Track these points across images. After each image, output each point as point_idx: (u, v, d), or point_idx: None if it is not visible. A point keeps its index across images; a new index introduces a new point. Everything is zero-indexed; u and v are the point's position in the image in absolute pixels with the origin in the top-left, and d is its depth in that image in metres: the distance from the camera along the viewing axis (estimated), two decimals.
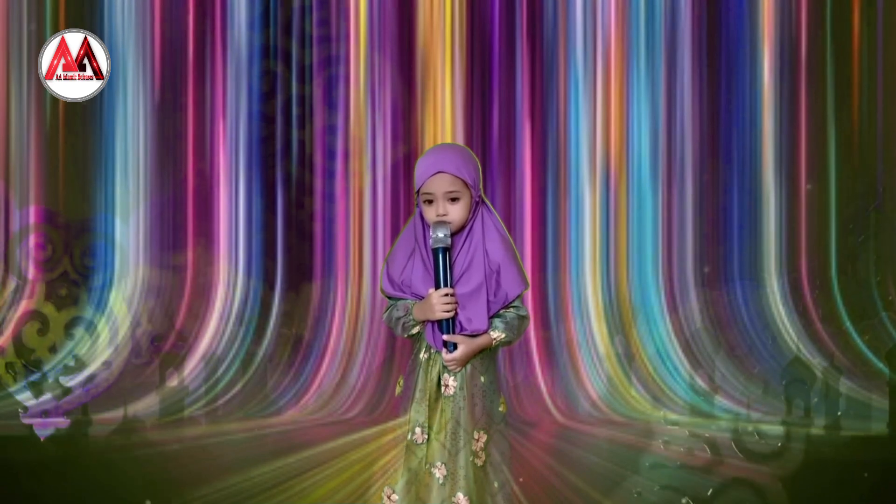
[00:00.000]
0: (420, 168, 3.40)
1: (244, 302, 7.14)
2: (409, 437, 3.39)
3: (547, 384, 6.89)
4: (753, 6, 7.20)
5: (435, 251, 3.34)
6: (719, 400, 6.64)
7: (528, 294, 7.07)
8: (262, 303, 7.13)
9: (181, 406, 6.56)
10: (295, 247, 7.22)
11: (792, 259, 7.15)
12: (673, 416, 6.51)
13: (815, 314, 7.06)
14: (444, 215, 3.35)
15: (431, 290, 3.36)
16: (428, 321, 3.37)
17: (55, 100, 6.94)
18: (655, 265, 7.14)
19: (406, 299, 3.43)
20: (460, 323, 3.35)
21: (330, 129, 7.24)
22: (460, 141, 7.16)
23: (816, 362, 6.69)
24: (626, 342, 7.02)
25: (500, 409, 3.42)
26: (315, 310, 7.13)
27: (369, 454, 5.73)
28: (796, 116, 7.21)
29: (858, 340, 6.84)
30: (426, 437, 3.36)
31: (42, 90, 6.96)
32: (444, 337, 3.33)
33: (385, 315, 3.50)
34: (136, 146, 7.15)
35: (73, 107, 6.98)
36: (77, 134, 7.12)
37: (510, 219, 7.16)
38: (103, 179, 7.14)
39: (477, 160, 3.43)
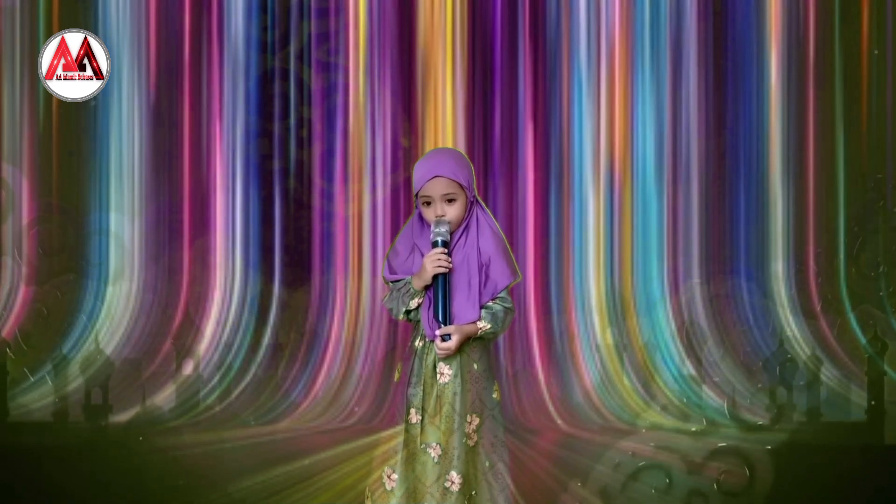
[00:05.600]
0: (418, 172, 3.76)
1: (242, 302, 7.28)
2: (405, 417, 3.71)
3: (550, 390, 6.99)
4: (760, 6, 7.32)
5: (434, 243, 3.68)
6: (721, 403, 6.78)
7: (531, 296, 7.24)
8: (262, 299, 7.29)
9: (196, 401, 6.76)
10: (293, 245, 7.36)
11: (799, 262, 7.28)
12: (680, 424, 6.65)
13: (822, 318, 7.19)
14: (443, 216, 3.71)
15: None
16: (426, 289, 3.68)
17: (49, 100, 7.12)
18: (660, 268, 7.26)
19: (406, 278, 3.76)
20: (453, 314, 3.67)
21: (329, 131, 7.36)
22: (462, 142, 7.27)
23: (823, 367, 6.82)
24: (631, 348, 7.13)
25: (494, 395, 3.74)
26: (315, 307, 7.27)
27: (369, 462, 5.85)
28: (804, 117, 7.34)
29: (866, 345, 6.96)
30: (420, 417, 3.68)
31: (36, 90, 7.14)
32: (437, 332, 3.64)
33: (386, 297, 3.84)
34: (132, 146, 7.30)
35: (68, 107, 7.14)
36: (72, 134, 7.29)
37: (513, 221, 7.27)
38: (98, 179, 7.29)
39: (470, 163, 3.80)
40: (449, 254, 3.69)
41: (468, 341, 3.68)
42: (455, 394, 3.67)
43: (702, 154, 7.33)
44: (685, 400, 6.88)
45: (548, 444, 6.40)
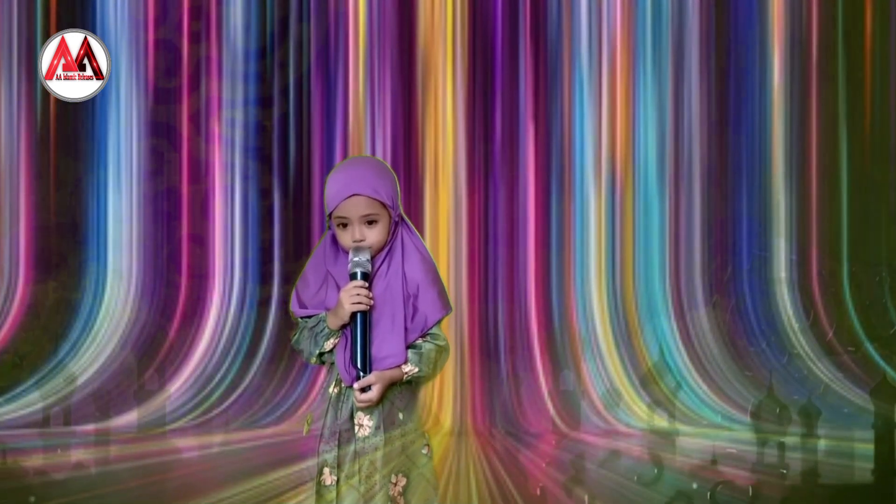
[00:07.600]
0: (331, 189, 3.22)
1: (241, 304, 7.33)
2: (317, 478, 3.25)
3: (550, 391, 7.04)
4: (763, 6, 7.35)
5: (353, 275, 3.20)
6: (726, 409, 6.83)
7: (532, 297, 7.27)
8: (261, 300, 7.34)
9: (195, 403, 6.82)
10: (293, 245, 7.41)
11: (802, 264, 7.32)
12: (683, 427, 6.70)
13: (825, 321, 7.23)
14: (362, 241, 3.21)
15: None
16: (343, 327, 3.22)
17: (46, 101, 7.18)
18: (662, 270, 7.29)
19: (320, 314, 3.28)
20: (375, 359, 3.18)
21: (328, 132, 7.40)
22: (462, 143, 7.32)
23: (823, 368, 6.88)
24: (633, 350, 7.18)
25: (424, 451, 3.25)
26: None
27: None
28: (807, 119, 7.37)
29: (869, 347, 7.01)
30: (335, 478, 3.21)
31: (33, 91, 7.19)
32: (356, 384, 3.17)
33: (295, 337, 3.35)
34: (130, 148, 7.35)
35: (65, 108, 7.19)
36: (69, 135, 7.34)
37: (513, 221, 7.31)
38: (96, 181, 7.34)
39: (394, 174, 3.30)
40: (370, 285, 3.19)
41: (393, 386, 3.20)
42: (377, 449, 3.15)
43: (704, 155, 7.36)
44: (688, 402, 6.93)
45: (548, 447, 6.44)
